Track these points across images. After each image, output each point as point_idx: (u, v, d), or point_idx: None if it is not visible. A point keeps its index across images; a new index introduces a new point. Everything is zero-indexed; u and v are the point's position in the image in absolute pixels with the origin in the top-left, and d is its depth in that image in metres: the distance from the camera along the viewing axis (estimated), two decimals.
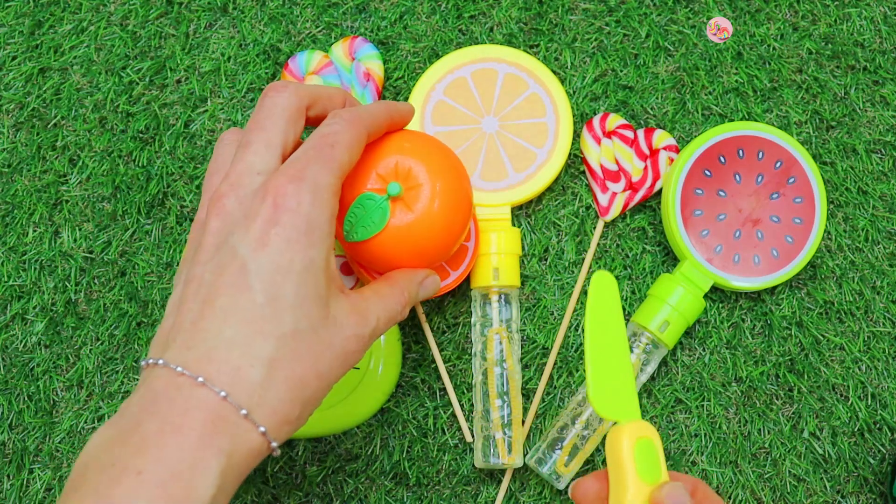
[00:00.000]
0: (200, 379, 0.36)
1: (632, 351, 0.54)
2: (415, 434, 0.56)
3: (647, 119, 0.59)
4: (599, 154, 0.58)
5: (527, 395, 0.57)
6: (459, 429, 0.56)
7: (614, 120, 0.58)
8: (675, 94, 0.60)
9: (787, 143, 0.56)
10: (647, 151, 0.58)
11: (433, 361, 0.57)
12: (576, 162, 0.59)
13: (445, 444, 0.56)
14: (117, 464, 0.34)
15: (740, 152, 0.56)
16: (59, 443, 0.56)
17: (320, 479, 0.56)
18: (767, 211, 0.56)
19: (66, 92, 0.59)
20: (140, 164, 0.58)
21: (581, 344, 0.57)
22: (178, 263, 0.57)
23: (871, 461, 0.57)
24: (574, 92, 0.59)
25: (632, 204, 0.58)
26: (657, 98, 0.60)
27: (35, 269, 0.58)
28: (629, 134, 0.58)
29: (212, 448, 0.35)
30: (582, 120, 0.59)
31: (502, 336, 0.54)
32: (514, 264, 0.55)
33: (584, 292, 0.58)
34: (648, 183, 0.58)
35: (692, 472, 0.56)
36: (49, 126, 0.59)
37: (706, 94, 0.60)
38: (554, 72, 0.59)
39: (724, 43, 0.60)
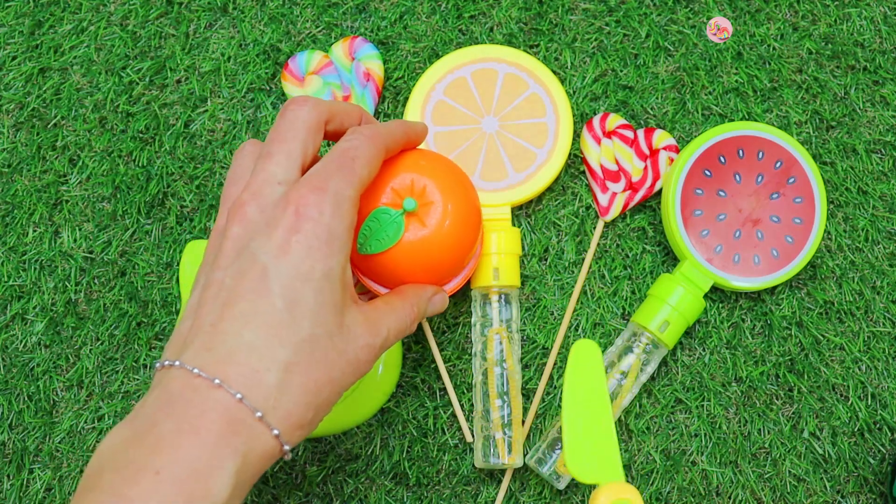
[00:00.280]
0: (217, 381, 0.36)
1: (632, 351, 0.54)
2: (415, 434, 0.56)
3: (647, 119, 0.59)
4: (599, 154, 0.58)
5: (527, 395, 0.57)
6: (459, 429, 0.56)
7: (614, 120, 0.58)
8: (675, 94, 0.60)
9: (787, 143, 0.56)
10: (647, 151, 0.58)
11: (433, 361, 0.57)
12: (576, 162, 0.59)
13: (445, 444, 0.56)
14: (134, 463, 0.35)
15: (740, 152, 0.56)
16: (59, 443, 0.56)
17: (320, 479, 0.56)
18: (767, 211, 0.56)
19: (66, 92, 0.59)
20: (140, 164, 0.58)
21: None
22: (177, 263, 0.57)
23: (871, 461, 0.57)
24: (574, 92, 0.59)
25: (632, 204, 0.58)
26: (657, 98, 0.60)
27: (35, 269, 0.58)
28: (629, 134, 0.58)
29: (227, 449, 0.35)
30: (582, 120, 0.59)
31: (502, 336, 0.54)
32: (515, 264, 0.55)
33: (584, 292, 0.58)
34: (648, 183, 0.58)
35: (692, 471, 0.56)
36: (49, 126, 0.59)
37: (706, 94, 0.60)
38: (554, 72, 0.59)
39: (724, 43, 0.60)
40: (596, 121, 0.58)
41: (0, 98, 0.59)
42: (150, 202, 0.58)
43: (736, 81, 0.60)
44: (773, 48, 0.60)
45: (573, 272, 0.58)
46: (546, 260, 0.58)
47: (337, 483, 0.56)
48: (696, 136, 0.58)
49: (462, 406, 0.56)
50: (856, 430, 0.57)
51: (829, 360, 0.57)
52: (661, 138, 0.58)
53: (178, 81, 0.59)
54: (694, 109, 0.60)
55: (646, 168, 0.58)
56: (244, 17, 0.60)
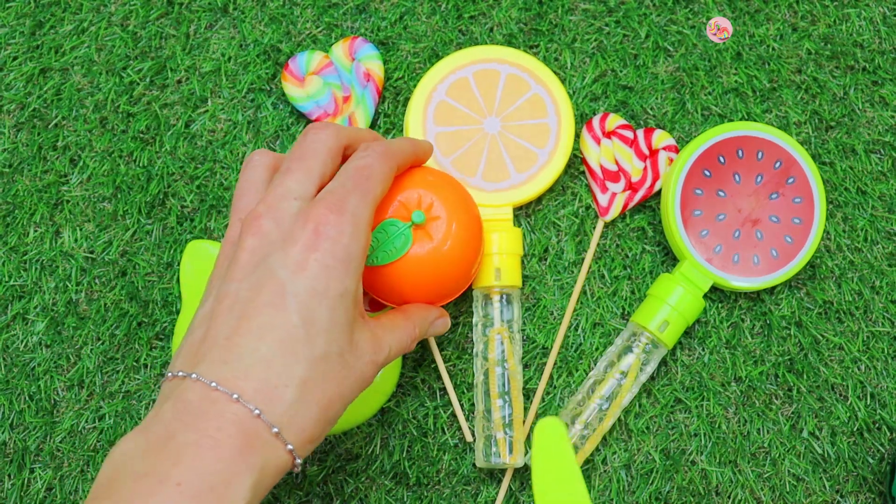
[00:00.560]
0: (235, 395, 0.37)
1: (631, 351, 0.54)
2: (415, 434, 0.56)
3: (646, 119, 0.59)
4: (599, 154, 0.58)
5: (527, 394, 0.57)
6: (459, 429, 0.56)
7: (614, 120, 0.58)
8: (675, 94, 0.60)
9: (787, 143, 0.56)
10: (646, 151, 0.58)
11: (433, 361, 0.57)
12: (575, 162, 0.59)
13: (445, 444, 0.56)
14: (154, 473, 0.35)
15: (740, 152, 0.56)
16: (60, 442, 0.56)
17: (321, 479, 0.56)
18: (767, 211, 0.56)
19: (66, 92, 0.59)
20: (141, 165, 0.59)
21: (580, 345, 0.57)
22: (178, 264, 0.57)
23: (870, 461, 0.57)
24: (574, 92, 0.59)
25: (631, 204, 0.58)
26: (657, 98, 0.60)
27: (36, 268, 0.58)
28: (629, 134, 0.58)
29: (246, 463, 0.36)
30: (582, 120, 0.59)
31: (504, 336, 0.54)
32: (516, 264, 0.55)
33: (583, 292, 0.58)
34: (648, 183, 0.58)
35: (691, 471, 0.56)
36: (50, 126, 0.59)
37: (706, 95, 0.60)
38: (554, 72, 0.59)
39: (724, 43, 0.60)
40: (595, 121, 0.58)
41: (1, 98, 0.59)
42: (151, 202, 0.58)
43: (735, 82, 0.60)
44: (773, 48, 0.60)
45: (573, 272, 0.58)
46: (546, 260, 0.58)
47: (337, 483, 0.56)
48: (695, 137, 0.58)
49: (462, 406, 0.56)
50: (855, 429, 0.57)
51: (829, 359, 0.58)
52: (661, 138, 0.58)
53: (179, 82, 0.59)
54: (693, 110, 0.60)
55: (645, 168, 0.58)
56: (244, 18, 0.60)
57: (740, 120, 0.59)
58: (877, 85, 0.60)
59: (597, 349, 0.57)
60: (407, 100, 0.59)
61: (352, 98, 0.58)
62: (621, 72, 0.60)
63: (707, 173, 0.56)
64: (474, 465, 0.56)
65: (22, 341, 0.57)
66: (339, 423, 0.54)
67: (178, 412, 0.37)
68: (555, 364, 0.57)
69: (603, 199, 0.57)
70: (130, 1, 0.60)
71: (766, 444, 0.57)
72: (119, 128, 0.59)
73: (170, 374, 0.38)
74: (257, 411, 0.36)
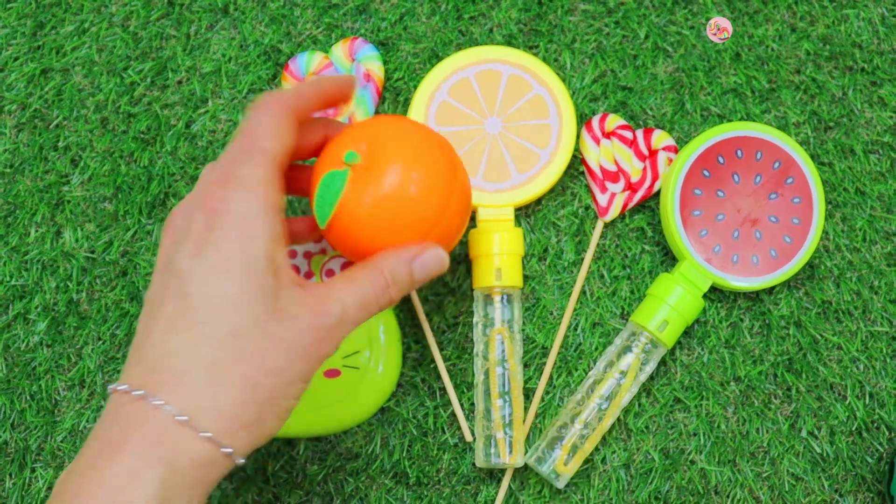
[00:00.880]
0: (139, 392, 0.35)
1: (631, 350, 0.55)
2: (415, 433, 0.56)
3: (646, 120, 0.60)
4: (598, 154, 0.58)
5: (526, 394, 0.57)
6: (459, 428, 0.56)
7: (613, 120, 0.58)
8: (674, 94, 0.60)
9: (786, 143, 0.56)
10: (646, 152, 0.58)
11: (433, 361, 0.57)
12: (575, 162, 0.59)
13: (445, 444, 0.56)
14: (64, 493, 0.35)
15: (739, 153, 0.56)
16: (61, 442, 0.56)
17: (321, 478, 0.56)
18: (766, 211, 0.56)
19: (67, 93, 0.59)
20: (141, 165, 0.59)
21: (580, 344, 0.57)
22: None
23: (869, 460, 0.57)
24: (573, 93, 0.60)
25: (631, 204, 0.58)
26: (656, 99, 0.60)
27: (37, 268, 0.58)
28: (628, 134, 0.58)
29: (148, 460, 0.34)
30: (581, 121, 0.59)
31: (504, 336, 0.55)
32: (517, 265, 0.55)
33: (583, 292, 0.58)
34: (647, 183, 0.58)
35: (691, 470, 0.56)
36: (51, 127, 0.59)
37: (705, 95, 0.60)
38: (554, 72, 0.59)
39: (723, 44, 0.60)
40: (595, 121, 0.58)
41: (2, 99, 0.59)
42: (152, 202, 0.58)
43: (734, 82, 0.60)
44: (772, 49, 0.61)
45: (573, 272, 0.58)
46: (545, 260, 0.58)
47: (337, 482, 0.56)
48: (694, 137, 0.58)
49: (462, 405, 0.57)
50: (854, 429, 0.57)
51: (828, 359, 0.58)
52: (660, 139, 0.58)
53: (180, 82, 0.60)
54: (693, 110, 0.60)
55: (645, 168, 0.58)
56: (245, 19, 0.60)
57: (739, 120, 0.59)
58: (875, 85, 0.60)
59: (596, 349, 0.57)
60: (407, 100, 0.59)
61: (352, 98, 0.58)
62: (621, 72, 0.60)
63: (706, 173, 0.56)
64: (474, 464, 0.56)
65: (23, 341, 0.57)
66: (340, 422, 0.55)
67: (96, 426, 0.36)
68: (554, 364, 0.57)
69: (602, 199, 0.58)
70: (131, 1, 0.60)
71: (765, 444, 0.57)
72: (120, 128, 0.59)
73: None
74: (159, 402, 0.35)
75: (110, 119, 0.59)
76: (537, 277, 0.58)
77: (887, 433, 0.57)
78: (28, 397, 0.57)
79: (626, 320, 0.57)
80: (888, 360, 0.58)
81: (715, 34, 0.60)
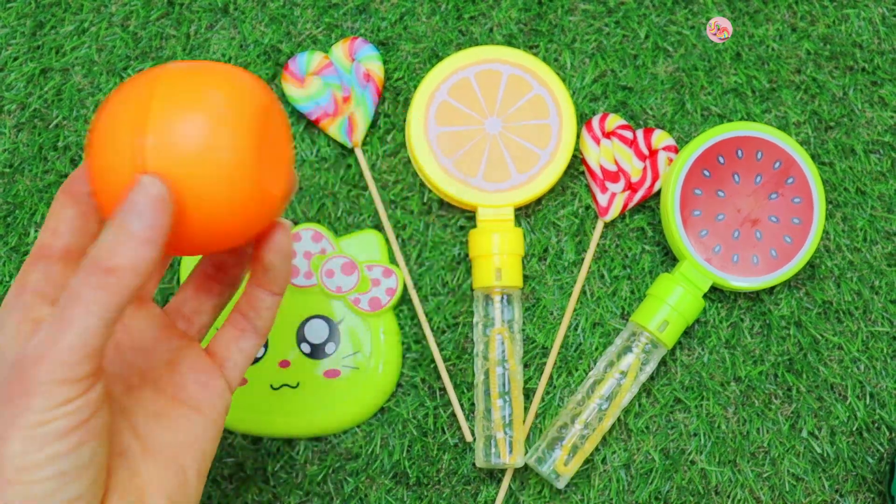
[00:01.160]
0: None
1: (631, 350, 0.55)
2: (415, 433, 0.56)
3: (646, 119, 0.60)
4: (599, 154, 0.58)
5: (526, 394, 0.57)
6: (459, 428, 0.56)
7: (613, 120, 0.58)
8: (675, 94, 0.60)
9: (786, 143, 0.56)
10: (646, 152, 0.58)
11: (433, 361, 0.57)
12: (575, 162, 0.59)
13: (445, 444, 0.56)
14: None
15: (739, 153, 0.56)
16: None
17: (320, 478, 0.56)
18: (766, 211, 0.56)
19: (67, 92, 0.59)
20: None
21: (580, 344, 0.57)
22: (178, 264, 0.57)
23: (870, 460, 0.57)
24: (573, 93, 0.59)
25: (631, 204, 0.58)
26: (656, 98, 0.60)
27: None
28: (628, 134, 0.58)
29: None
30: (581, 121, 0.59)
31: (504, 336, 0.55)
32: (517, 265, 0.55)
33: (583, 292, 0.58)
34: (648, 183, 0.58)
35: (691, 470, 0.56)
36: (50, 126, 0.59)
37: (705, 95, 0.60)
38: (555, 72, 0.59)
39: (723, 44, 0.60)
40: (595, 121, 0.58)
41: (2, 99, 0.59)
42: None
43: (735, 82, 0.60)
44: (772, 49, 0.61)
45: (573, 272, 0.58)
46: (546, 260, 0.58)
47: (337, 482, 0.56)
48: (695, 137, 0.58)
49: (462, 406, 0.56)
50: (854, 429, 0.57)
51: (828, 359, 0.58)
52: (661, 139, 0.58)
53: None
54: (693, 110, 0.60)
55: (645, 168, 0.58)
56: (245, 18, 0.60)
57: (740, 120, 0.59)
58: (876, 85, 0.60)
59: (596, 349, 0.57)
60: (407, 100, 0.59)
61: (352, 98, 0.58)
62: (621, 72, 0.60)
63: (706, 173, 0.56)
64: (474, 465, 0.56)
65: None
66: (340, 422, 0.55)
67: None
68: (554, 364, 0.57)
69: (602, 199, 0.58)
70: (131, 1, 0.60)
71: (765, 444, 0.57)
72: None
73: None
74: None
75: None
76: (537, 277, 0.58)
77: (888, 433, 0.57)
78: None
79: (627, 320, 0.57)
80: (889, 361, 0.58)
81: (715, 34, 0.60)
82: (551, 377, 0.57)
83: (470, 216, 0.58)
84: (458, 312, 0.57)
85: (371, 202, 0.58)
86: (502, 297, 0.55)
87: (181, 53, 0.59)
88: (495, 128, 0.57)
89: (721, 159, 0.56)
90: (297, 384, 0.55)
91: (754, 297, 0.58)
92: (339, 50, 0.58)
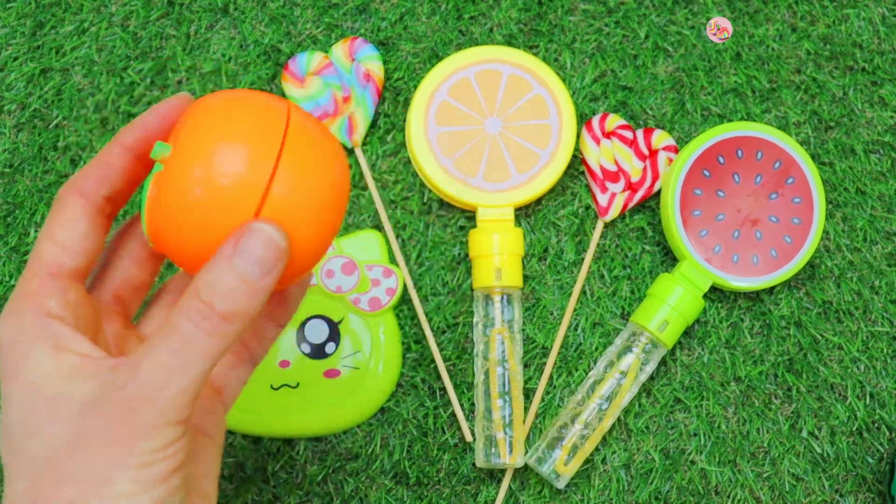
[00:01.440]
0: None
1: (631, 350, 0.55)
2: (415, 433, 0.56)
3: (646, 119, 0.60)
4: (599, 154, 0.58)
5: (526, 394, 0.57)
6: (459, 428, 0.56)
7: (613, 120, 0.58)
8: (675, 94, 0.60)
9: (786, 143, 0.56)
10: (646, 152, 0.58)
11: (433, 361, 0.57)
12: (575, 162, 0.59)
13: (445, 444, 0.56)
14: None
15: (739, 153, 0.56)
16: None
17: (321, 479, 0.56)
18: (766, 211, 0.56)
19: (67, 92, 0.59)
20: None
21: (580, 344, 0.57)
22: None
23: (870, 460, 0.57)
24: (573, 92, 0.60)
25: (631, 204, 0.58)
26: (656, 98, 0.60)
27: None
28: (628, 134, 0.58)
29: None
30: (581, 121, 0.59)
31: (504, 336, 0.55)
32: (517, 265, 0.55)
33: (583, 292, 0.58)
34: (648, 183, 0.58)
35: (691, 470, 0.56)
36: (50, 126, 0.59)
37: (705, 95, 0.60)
38: (555, 72, 0.59)
39: (723, 44, 0.60)
40: (595, 121, 0.58)
41: (2, 99, 0.59)
42: None
43: (735, 82, 0.60)
44: (772, 49, 0.61)
45: (573, 272, 0.58)
46: (546, 260, 0.58)
47: (337, 482, 0.56)
48: (695, 137, 0.58)
49: (462, 406, 0.56)
50: (854, 429, 0.57)
51: (828, 359, 0.58)
52: (661, 139, 0.58)
53: (180, 82, 0.60)
54: (693, 110, 0.60)
55: (645, 168, 0.58)
56: (245, 18, 0.60)
57: (740, 120, 0.59)
58: (876, 85, 0.60)
59: (596, 349, 0.57)
60: (407, 100, 0.59)
61: (352, 98, 0.58)
62: (621, 72, 0.60)
63: (706, 173, 0.56)
64: (474, 465, 0.56)
65: None
66: (340, 422, 0.55)
67: None
68: (555, 364, 0.57)
69: (602, 199, 0.58)
70: (131, 1, 0.60)
71: (765, 444, 0.57)
72: (120, 128, 0.59)
73: None
74: None
75: (110, 119, 0.59)
76: (537, 277, 0.58)
77: (888, 433, 0.57)
78: None
79: (627, 320, 0.57)
80: (889, 361, 0.58)
81: (715, 34, 0.60)
82: (551, 377, 0.57)
83: (470, 216, 0.58)
84: (458, 312, 0.57)
85: (371, 202, 0.58)
86: (502, 297, 0.55)
87: (181, 53, 0.59)
88: (495, 128, 0.57)
89: (721, 159, 0.56)
90: (297, 384, 0.55)
91: (754, 297, 0.58)
92: (339, 50, 0.58)
